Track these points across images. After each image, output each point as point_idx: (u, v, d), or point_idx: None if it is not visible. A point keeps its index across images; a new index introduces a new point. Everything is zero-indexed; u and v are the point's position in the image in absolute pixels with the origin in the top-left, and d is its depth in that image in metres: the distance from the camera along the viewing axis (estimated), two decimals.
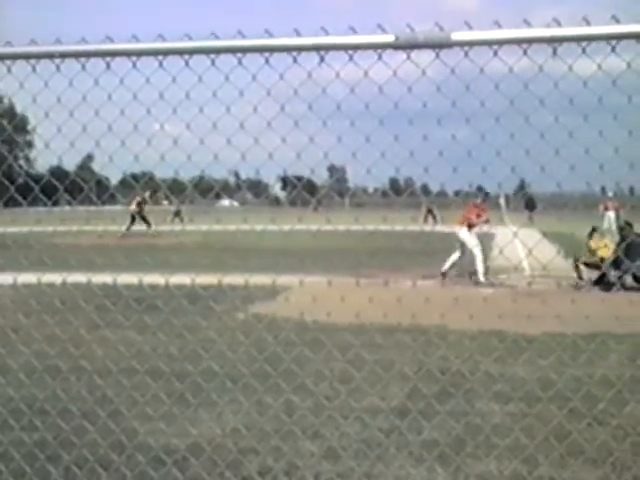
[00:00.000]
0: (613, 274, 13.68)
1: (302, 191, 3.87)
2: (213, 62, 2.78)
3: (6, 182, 3.78)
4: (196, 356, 6.13)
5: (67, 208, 8.24)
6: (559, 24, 2.45)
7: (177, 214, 40.95)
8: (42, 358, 5.45)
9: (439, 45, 2.54)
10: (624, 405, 5.45)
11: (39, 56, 2.91)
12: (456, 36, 2.51)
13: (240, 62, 2.76)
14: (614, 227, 14.17)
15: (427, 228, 29.94)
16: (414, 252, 20.23)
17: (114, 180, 9.59)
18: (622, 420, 5.29)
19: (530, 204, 43.48)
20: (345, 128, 2.87)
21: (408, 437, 5.20)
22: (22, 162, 75.34)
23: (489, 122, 2.76)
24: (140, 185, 5.52)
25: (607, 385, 5.60)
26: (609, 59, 2.53)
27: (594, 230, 15.51)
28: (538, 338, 8.45)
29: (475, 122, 2.75)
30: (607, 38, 2.46)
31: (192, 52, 2.76)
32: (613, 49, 2.48)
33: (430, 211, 42.42)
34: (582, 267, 14.62)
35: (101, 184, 5.12)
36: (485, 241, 16.34)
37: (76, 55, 2.85)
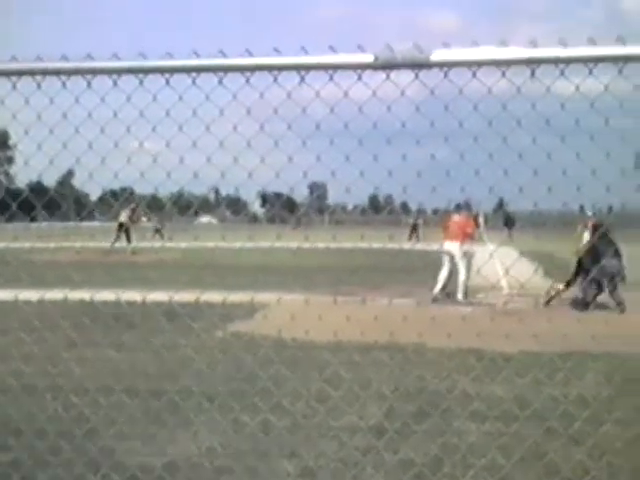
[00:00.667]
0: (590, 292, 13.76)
1: (281, 209, 3.88)
2: (194, 81, 2.78)
3: None
4: (173, 374, 6.11)
5: (44, 224, 8.21)
6: (535, 45, 2.47)
7: (157, 231, 40.81)
8: (18, 377, 5.40)
9: (418, 65, 2.57)
10: (600, 424, 5.47)
11: (20, 73, 2.90)
12: (435, 57, 2.53)
13: (221, 81, 2.77)
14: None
15: (406, 247, 29.95)
16: (393, 270, 20.25)
17: (94, 196, 9.59)
18: (598, 439, 5.30)
19: (509, 222, 43.89)
20: (325, 147, 2.88)
21: (385, 457, 5.18)
22: (2, 177, 74.94)
23: (468, 142, 2.77)
24: (120, 202, 5.50)
25: (583, 404, 5.64)
26: (587, 81, 2.56)
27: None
28: (515, 357, 8.48)
29: (454, 142, 2.77)
30: (585, 60, 2.49)
31: (173, 71, 2.76)
32: (590, 72, 2.52)
33: (415, 228, 42.54)
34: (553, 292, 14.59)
35: (80, 201, 5.11)
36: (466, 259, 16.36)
37: (57, 72, 2.85)
